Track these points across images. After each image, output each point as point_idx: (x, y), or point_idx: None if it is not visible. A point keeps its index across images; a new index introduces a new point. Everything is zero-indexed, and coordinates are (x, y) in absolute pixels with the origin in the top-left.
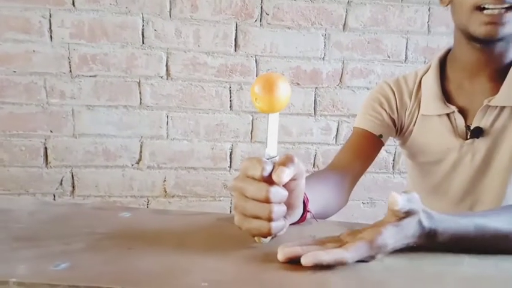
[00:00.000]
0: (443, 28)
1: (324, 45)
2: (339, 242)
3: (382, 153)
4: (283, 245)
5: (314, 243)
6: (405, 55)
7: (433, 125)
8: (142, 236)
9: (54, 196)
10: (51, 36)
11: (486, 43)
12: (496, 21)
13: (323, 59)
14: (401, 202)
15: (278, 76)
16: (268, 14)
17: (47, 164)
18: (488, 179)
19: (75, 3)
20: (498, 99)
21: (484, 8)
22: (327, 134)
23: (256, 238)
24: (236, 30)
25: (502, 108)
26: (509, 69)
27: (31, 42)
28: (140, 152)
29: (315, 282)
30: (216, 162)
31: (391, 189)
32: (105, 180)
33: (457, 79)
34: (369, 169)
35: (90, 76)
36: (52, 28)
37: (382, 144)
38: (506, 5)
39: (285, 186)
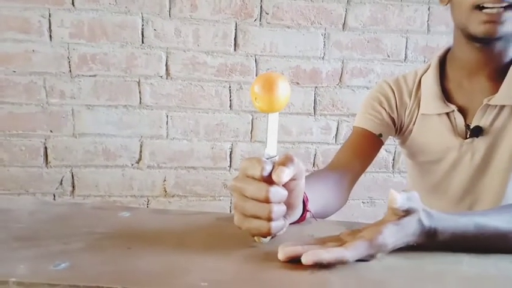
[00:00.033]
0: (442, 27)
1: (324, 45)
2: (339, 241)
3: (382, 152)
4: (283, 244)
5: (314, 242)
6: (405, 54)
7: (433, 124)
8: (142, 235)
9: (54, 196)
10: (50, 36)
11: (485, 42)
12: (494, 20)
13: (323, 58)
14: (400, 200)
15: (278, 75)
16: (267, 14)
17: (47, 163)
18: (488, 178)
19: (74, 3)
20: (498, 98)
21: (483, 7)
22: (327, 134)
23: (255, 238)
24: (236, 29)
25: (502, 107)
26: (509, 68)
27: (31, 42)
28: (140, 151)
29: (315, 281)
30: (216, 162)
31: (391, 188)
32: (105, 180)
33: (457, 78)
34: (369, 168)
35: (90, 76)
36: (52, 28)
37: (382, 143)
38: (504, 4)
39: (284, 185)
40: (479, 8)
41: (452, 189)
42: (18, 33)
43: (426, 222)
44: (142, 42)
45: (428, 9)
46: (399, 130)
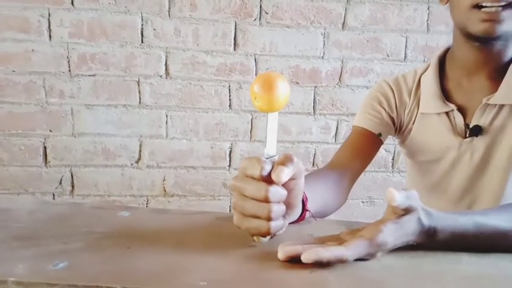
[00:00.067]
0: (442, 27)
1: (324, 44)
2: (339, 240)
3: (381, 152)
4: (283, 244)
5: (314, 242)
6: (405, 54)
7: (432, 123)
8: (141, 235)
9: (53, 195)
10: (50, 36)
11: (484, 41)
12: (493, 19)
13: (322, 58)
14: (399, 198)
15: (277, 75)
16: (267, 13)
17: (46, 163)
18: (487, 177)
19: (74, 3)
20: (497, 98)
21: (482, 6)
22: (327, 133)
23: (255, 237)
24: (235, 29)
25: (501, 106)
26: (508, 67)
27: (30, 42)
28: (140, 151)
29: (314, 281)
30: (215, 162)
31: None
32: (104, 179)
33: (456, 77)
34: (368, 168)
35: (89, 75)
36: (51, 27)
37: (381, 142)
38: (503, 3)
39: (284, 185)
40: (478, 7)
41: (451, 189)
42: (17, 32)
43: (426, 222)
44: (142, 41)
45: (428, 8)
46: (399, 129)
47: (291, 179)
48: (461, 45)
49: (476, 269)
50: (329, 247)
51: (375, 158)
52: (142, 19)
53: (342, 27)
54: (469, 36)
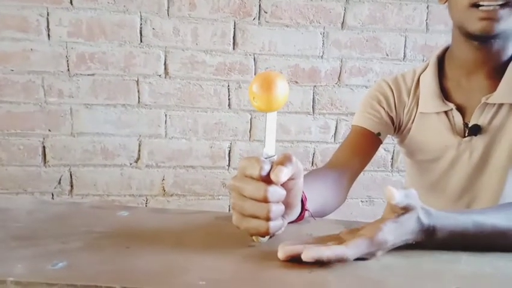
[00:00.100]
0: (441, 26)
1: (323, 44)
2: (338, 240)
3: (380, 151)
4: (283, 244)
5: (314, 241)
6: (404, 53)
7: (431, 122)
8: (140, 234)
9: (52, 195)
10: (49, 35)
11: (483, 40)
12: (491, 17)
13: (322, 57)
14: (398, 196)
15: (276, 75)
16: (266, 12)
17: (45, 163)
18: (486, 176)
19: (73, 2)
20: (496, 97)
21: (480, 5)
22: (326, 133)
23: (254, 237)
24: (234, 28)
25: (500, 105)
26: (507, 66)
27: (29, 41)
28: (139, 150)
29: (313, 281)
30: (215, 161)
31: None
32: (103, 179)
33: (455, 77)
34: (367, 167)
35: (88, 75)
36: (50, 27)
37: (380, 142)
38: (500, 2)
39: (283, 185)
40: (476, 5)
41: (450, 188)
42: (16, 32)
43: (425, 220)
44: (141, 41)
45: (427, 8)
46: (398, 129)
47: (290, 178)
48: (460, 45)
49: (475, 268)
50: (330, 246)
51: (375, 157)
52: (141, 18)
53: (342, 27)
54: (468, 35)
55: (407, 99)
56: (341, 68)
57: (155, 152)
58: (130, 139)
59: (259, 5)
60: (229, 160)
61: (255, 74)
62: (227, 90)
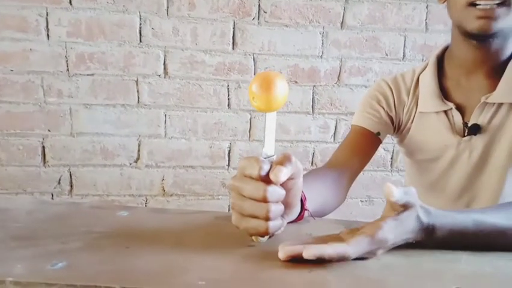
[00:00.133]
0: (441, 26)
1: (322, 43)
2: (338, 240)
3: (380, 151)
4: (283, 244)
5: (314, 241)
6: (403, 53)
7: (431, 122)
8: (140, 234)
9: (52, 195)
10: (48, 35)
11: (481, 39)
12: (488, 16)
13: (321, 57)
14: (397, 193)
15: (275, 74)
16: (265, 12)
17: (44, 163)
18: (486, 176)
19: (72, 2)
20: (495, 96)
21: (477, 4)
22: (325, 132)
23: (253, 237)
24: (234, 28)
25: (500, 105)
26: (506, 66)
27: (28, 41)
28: (138, 150)
29: (313, 280)
30: (214, 161)
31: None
32: (103, 179)
33: (455, 76)
34: (367, 167)
35: (87, 75)
36: (49, 27)
37: (380, 141)
38: (497, 1)
39: (282, 185)
40: (473, 4)
41: (450, 187)
42: (15, 32)
43: (425, 219)
44: (140, 41)
45: (426, 7)
46: (398, 128)
47: (290, 178)
48: (459, 44)
49: (475, 268)
50: (331, 244)
51: (374, 157)
52: (140, 18)
53: (341, 27)
54: (466, 34)
55: (406, 99)
56: (340, 68)
57: (155, 152)
58: (130, 139)
59: (259, 5)
60: (228, 160)
61: (254, 74)
62: (226, 90)
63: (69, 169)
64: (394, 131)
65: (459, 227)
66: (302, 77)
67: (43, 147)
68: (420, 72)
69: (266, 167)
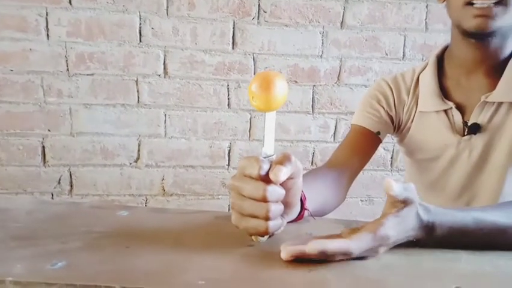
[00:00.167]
0: (440, 25)
1: (322, 43)
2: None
3: (380, 150)
4: (285, 244)
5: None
6: (403, 52)
7: (431, 121)
8: (140, 234)
9: (52, 195)
10: (48, 35)
11: (479, 38)
12: (486, 14)
13: (321, 56)
14: (396, 188)
15: (275, 74)
16: (265, 12)
17: (44, 163)
18: (486, 175)
19: (71, 2)
20: (495, 95)
21: (474, 3)
22: (325, 132)
23: (253, 237)
24: (233, 28)
25: (500, 104)
26: (506, 65)
27: (28, 41)
28: (138, 150)
29: (313, 280)
30: (214, 161)
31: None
32: (103, 179)
33: (455, 75)
34: (367, 166)
35: (87, 75)
36: (49, 26)
37: (380, 141)
38: (494, 0)
39: (282, 184)
40: (471, 3)
41: (449, 187)
42: (15, 31)
43: (424, 217)
44: (140, 40)
45: (426, 7)
46: (398, 128)
47: (289, 178)
48: (458, 43)
49: (475, 267)
50: (334, 239)
51: (374, 156)
52: (140, 18)
53: (341, 26)
54: (464, 33)
55: (406, 98)
56: (340, 68)
57: (155, 152)
58: (130, 139)
59: (259, 5)
60: (228, 160)
61: (254, 74)
62: (226, 89)
63: (69, 169)
64: (394, 131)
65: (459, 225)
66: (302, 76)
67: (43, 147)
68: (420, 72)
69: (266, 167)
